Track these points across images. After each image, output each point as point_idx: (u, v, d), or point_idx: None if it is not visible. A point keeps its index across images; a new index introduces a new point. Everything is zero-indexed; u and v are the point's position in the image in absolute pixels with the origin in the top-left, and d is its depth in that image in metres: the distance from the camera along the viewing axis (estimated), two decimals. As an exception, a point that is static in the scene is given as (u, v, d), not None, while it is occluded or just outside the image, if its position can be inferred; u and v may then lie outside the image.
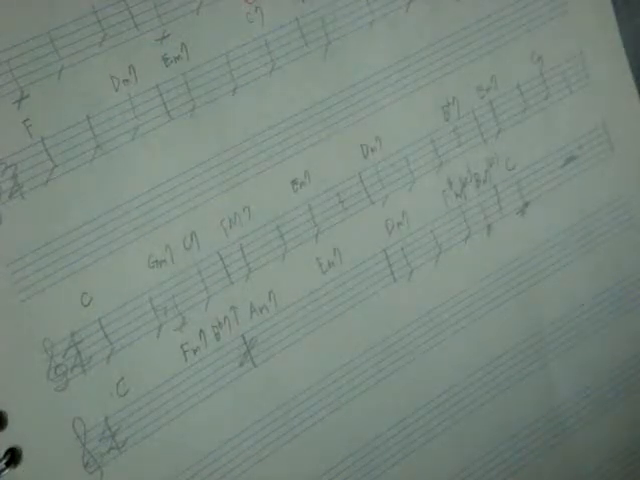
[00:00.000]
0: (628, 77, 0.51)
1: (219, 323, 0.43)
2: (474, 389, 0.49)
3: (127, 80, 0.40)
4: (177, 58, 0.41)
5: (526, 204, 0.49)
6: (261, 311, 0.44)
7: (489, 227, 0.48)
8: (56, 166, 0.39)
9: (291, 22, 0.44)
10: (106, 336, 0.40)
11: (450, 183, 0.47)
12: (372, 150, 0.46)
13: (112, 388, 0.40)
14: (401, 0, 0.46)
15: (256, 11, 0.43)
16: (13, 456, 0.39)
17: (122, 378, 0.41)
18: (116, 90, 0.40)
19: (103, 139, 0.40)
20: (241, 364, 0.43)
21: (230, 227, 0.43)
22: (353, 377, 0.46)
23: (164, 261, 0.41)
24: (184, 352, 0.42)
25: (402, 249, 0.47)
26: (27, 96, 0.38)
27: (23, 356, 0.39)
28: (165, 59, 0.41)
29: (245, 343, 0.43)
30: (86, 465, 0.40)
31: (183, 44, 0.41)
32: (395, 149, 0.46)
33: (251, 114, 0.43)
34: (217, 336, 0.43)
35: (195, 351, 0.42)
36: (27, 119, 0.39)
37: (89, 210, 0.40)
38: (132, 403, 0.41)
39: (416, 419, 0.47)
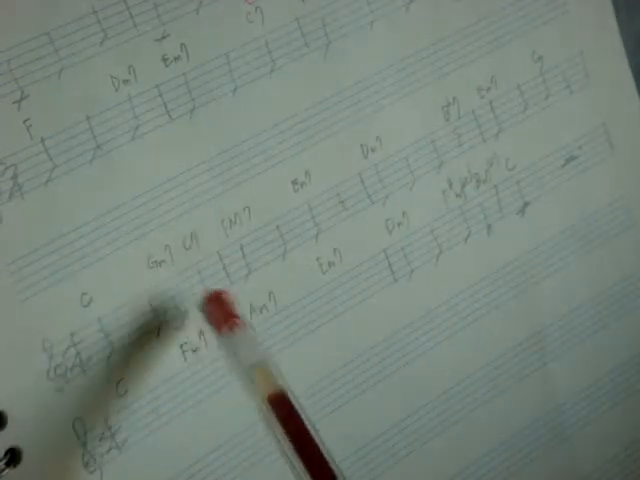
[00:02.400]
0: (628, 77, 0.51)
1: (218, 323, 0.43)
2: (474, 389, 0.49)
3: (127, 80, 0.40)
4: (177, 58, 0.41)
5: (526, 204, 0.49)
6: (261, 311, 0.44)
7: (489, 227, 0.48)
8: (56, 166, 0.39)
9: (291, 22, 0.44)
10: (106, 336, 0.40)
11: (450, 183, 0.48)
12: (372, 150, 0.46)
13: (112, 388, 0.40)
14: (401, 0, 0.46)
15: (256, 11, 0.43)
16: (13, 456, 0.39)
17: (122, 378, 0.41)
18: (116, 90, 0.40)
19: (103, 139, 0.40)
20: (241, 364, 0.43)
21: (230, 227, 0.43)
22: (353, 377, 0.46)
23: (164, 261, 0.41)
24: (183, 352, 0.42)
25: (402, 249, 0.47)
26: (27, 96, 0.39)
27: (23, 356, 0.39)
28: (165, 59, 0.41)
29: (245, 343, 0.43)
30: (86, 465, 0.40)
31: (183, 44, 0.41)
32: (395, 149, 0.46)
33: (251, 114, 0.43)
34: (217, 336, 0.43)
35: (195, 351, 0.42)
36: (27, 119, 0.39)
37: (89, 210, 0.40)
38: (132, 403, 0.41)
39: (416, 419, 0.47)
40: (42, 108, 0.39)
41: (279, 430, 0.35)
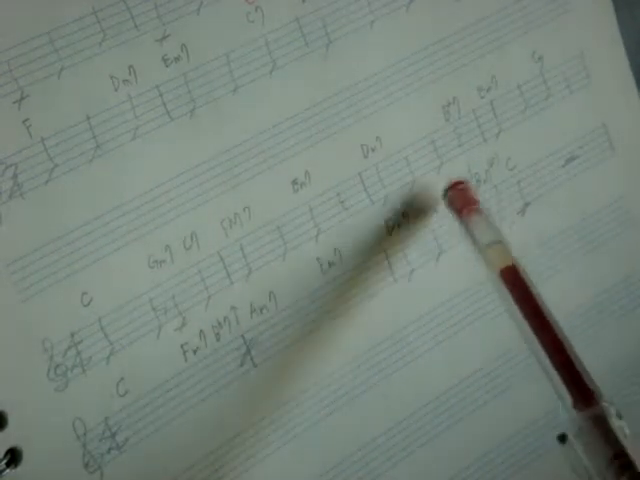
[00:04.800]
0: (628, 77, 0.51)
1: (219, 323, 0.43)
2: (474, 389, 0.49)
3: (127, 80, 0.40)
4: (177, 58, 0.41)
5: (526, 204, 0.49)
6: (261, 311, 0.44)
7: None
8: (56, 166, 0.39)
9: (291, 22, 0.44)
10: (106, 336, 0.40)
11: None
12: (372, 150, 0.46)
13: (112, 388, 0.40)
14: (401, 0, 0.46)
15: (256, 11, 0.43)
16: (13, 456, 0.39)
17: (122, 378, 0.41)
18: (116, 90, 0.40)
19: (103, 139, 0.40)
20: (241, 364, 0.43)
21: (230, 227, 0.43)
22: (353, 377, 0.46)
23: (164, 261, 0.41)
24: (184, 352, 0.42)
25: (402, 249, 0.47)
26: (27, 96, 0.39)
27: (23, 356, 0.39)
28: (165, 59, 0.41)
29: (245, 343, 0.43)
30: (86, 465, 0.40)
31: (183, 44, 0.41)
32: (395, 149, 0.46)
33: (251, 114, 0.43)
34: (217, 336, 0.43)
35: (195, 351, 0.42)
36: (27, 119, 0.39)
37: (89, 210, 0.40)
38: (132, 403, 0.41)
39: (416, 419, 0.47)
40: (42, 108, 0.39)
41: (512, 302, 0.39)
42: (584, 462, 0.34)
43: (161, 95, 0.41)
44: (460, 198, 0.45)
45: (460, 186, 0.46)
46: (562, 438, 0.35)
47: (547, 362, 0.37)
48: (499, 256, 0.41)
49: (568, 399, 0.35)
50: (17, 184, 0.38)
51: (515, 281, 0.39)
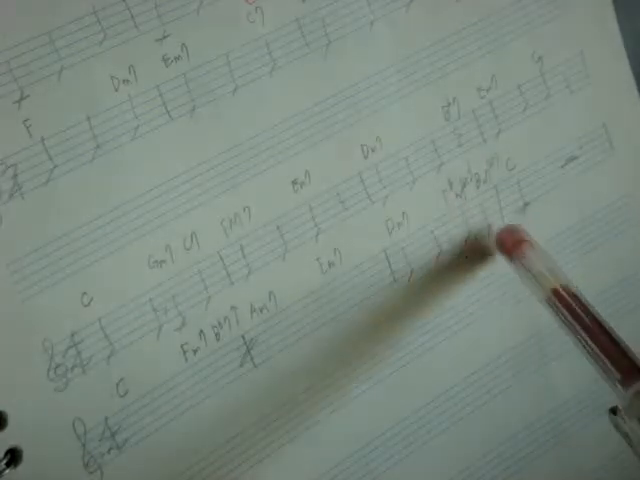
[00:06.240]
0: (628, 77, 0.51)
1: (219, 323, 0.43)
2: (474, 389, 0.49)
3: (127, 80, 0.40)
4: (177, 58, 0.41)
5: (526, 204, 0.49)
6: (261, 311, 0.44)
7: (489, 227, 0.48)
8: (56, 166, 0.39)
9: (291, 22, 0.44)
10: (106, 336, 0.40)
11: (450, 183, 0.47)
12: (372, 150, 0.46)
13: (112, 388, 0.40)
14: (401, 0, 0.46)
15: (256, 11, 0.43)
16: (13, 456, 0.39)
17: (122, 378, 0.41)
18: (116, 90, 0.40)
19: (103, 139, 0.40)
20: (241, 364, 0.43)
21: (230, 227, 0.43)
22: (353, 377, 0.46)
23: (164, 261, 0.41)
24: (184, 352, 0.42)
25: (402, 249, 0.47)
26: (27, 96, 0.39)
27: (23, 356, 0.39)
28: (165, 59, 0.41)
29: (245, 343, 0.43)
30: (86, 465, 0.40)
31: (183, 44, 0.41)
32: (395, 149, 0.46)
33: (251, 114, 0.43)
34: (217, 336, 0.43)
35: (195, 351, 0.42)
36: (27, 119, 0.39)
37: (89, 210, 0.40)
38: (132, 403, 0.41)
39: (416, 419, 0.47)
40: (42, 108, 0.39)
41: (569, 321, 0.42)
42: (637, 431, 0.38)
43: (161, 95, 0.41)
44: (509, 239, 0.47)
45: (508, 228, 0.48)
46: (614, 411, 0.39)
47: (598, 352, 0.40)
48: (550, 280, 0.44)
49: (617, 378, 0.39)
50: (17, 184, 0.39)
51: (570, 299, 0.43)
